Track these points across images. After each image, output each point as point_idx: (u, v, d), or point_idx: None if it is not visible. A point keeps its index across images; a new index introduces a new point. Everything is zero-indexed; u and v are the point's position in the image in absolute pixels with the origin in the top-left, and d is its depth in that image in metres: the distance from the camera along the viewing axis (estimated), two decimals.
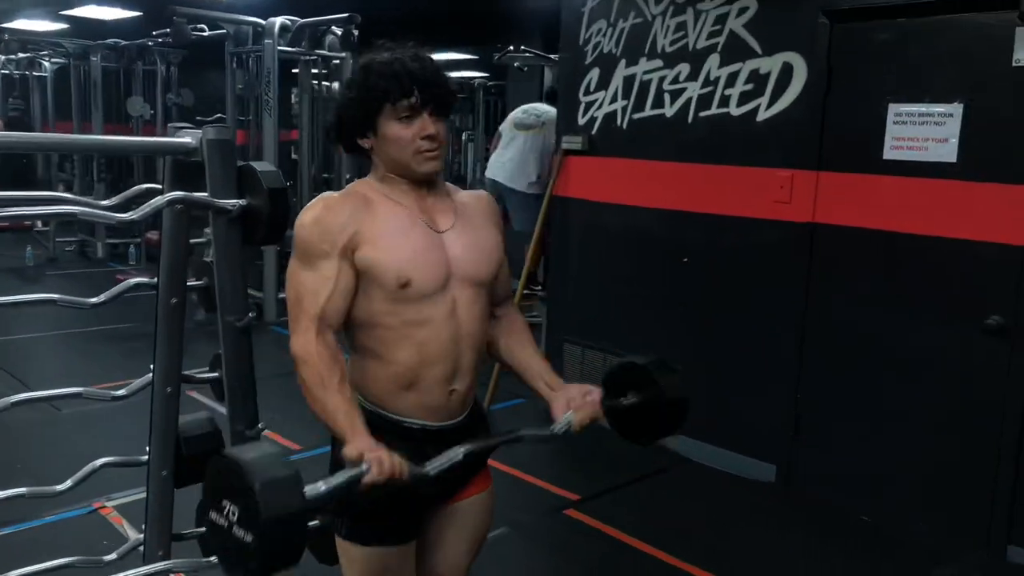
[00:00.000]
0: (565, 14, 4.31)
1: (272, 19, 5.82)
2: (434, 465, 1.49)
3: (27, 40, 9.31)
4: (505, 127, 5.77)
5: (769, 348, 3.64)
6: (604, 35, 4.10)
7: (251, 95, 6.39)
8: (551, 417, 1.66)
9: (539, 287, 5.22)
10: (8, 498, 2.05)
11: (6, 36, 8.49)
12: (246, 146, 6.73)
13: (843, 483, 3.47)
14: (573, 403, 1.65)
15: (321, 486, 1.39)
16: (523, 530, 3.29)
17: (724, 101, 3.65)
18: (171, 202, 1.76)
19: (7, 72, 10.49)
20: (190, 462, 2.29)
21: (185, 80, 9.11)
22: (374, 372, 1.60)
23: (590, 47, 4.17)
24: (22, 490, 2.06)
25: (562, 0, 4.32)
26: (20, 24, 10.13)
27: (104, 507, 3.21)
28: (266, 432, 3.79)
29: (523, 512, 3.42)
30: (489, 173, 6.18)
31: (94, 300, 1.97)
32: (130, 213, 1.70)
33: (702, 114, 3.74)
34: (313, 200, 1.61)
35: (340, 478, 1.41)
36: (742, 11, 3.55)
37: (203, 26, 6.62)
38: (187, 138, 1.88)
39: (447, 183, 1.73)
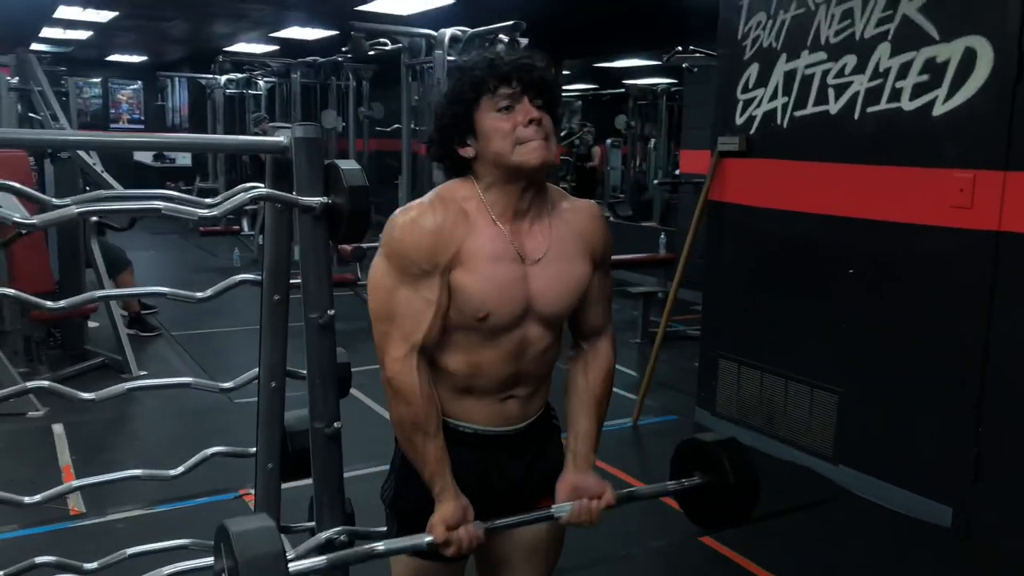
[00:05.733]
0: (723, 8, 4.07)
1: (443, 30, 5.97)
2: (503, 522, 1.51)
3: (242, 61, 10.21)
4: None
5: (946, 373, 3.22)
6: (764, 28, 3.82)
7: (425, 105, 6.59)
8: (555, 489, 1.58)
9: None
10: (125, 479, 2.17)
11: (220, 58, 9.32)
12: (423, 156, 6.95)
13: None
14: (581, 496, 1.54)
15: (381, 545, 1.44)
16: (652, 554, 3.11)
17: (895, 95, 3.28)
18: (253, 198, 1.79)
19: (230, 91, 11.57)
20: (295, 457, 2.36)
21: (377, 95, 9.59)
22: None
23: (748, 41, 3.90)
24: (138, 472, 2.17)
25: None
26: (240, 47, 11.15)
27: (248, 494, 3.38)
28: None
29: (654, 535, 3.23)
30: None
31: (200, 295, 2.05)
32: (212, 208, 1.74)
33: (870, 110, 3.38)
34: (410, 204, 1.50)
35: (406, 543, 1.47)
36: None
37: (385, 41, 6.92)
38: (281, 137, 1.91)
39: (556, 187, 1.61)
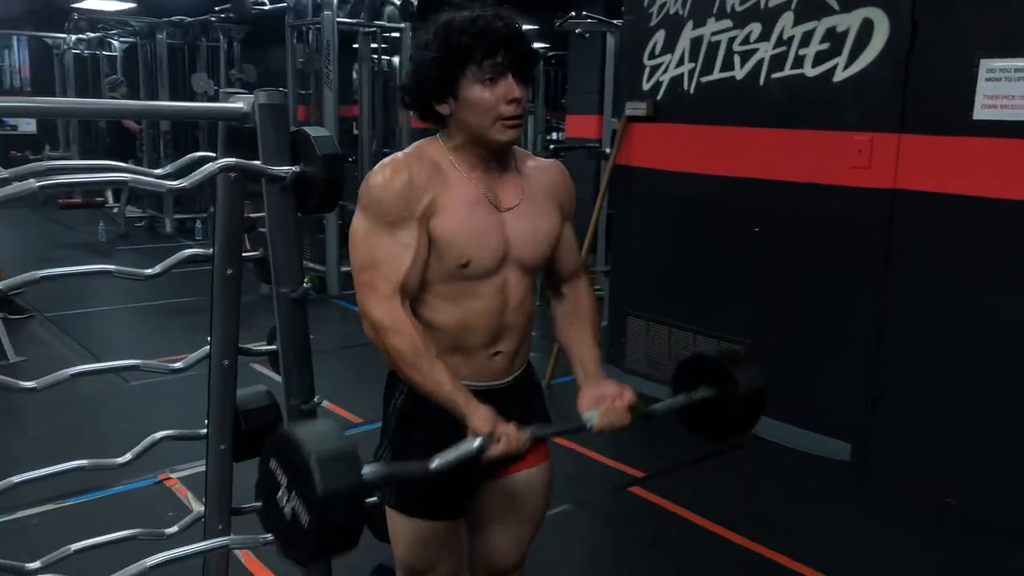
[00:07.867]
0: None
1: None
2: (545, 431, 1.54)
3: (96, 20, 9.47)
4: None
5: (845, 322, 3.47)
6: None
7: (312, 69, 6.37)
8: (577, 407, 1.58)
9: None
10: (70, 470, 2.04)
11: (75, 16, 8.62)
12: (308, 122, 6.74)
13: (924, 464, 3.30)
14: (603, 402, 1.54)
15: (435, 461, 1.35)
16: (585, 507, 3.21)
17: (798, 62, 3.46)
18: (223, 169, 1.71)
19: (79, 52, 10.72)
20: (248, 436, 2.28)
21: (248, 56, 9.16)
22: None
23: (655, 8, 4.00)
24: (83, 462, 2.04)
25: None
26: (91, 4, 10.34)
27: (169, 478, 3.24)
28: (327, 404, 3.75)
29: (585, 489, 3.34)
30: None
31: (149, 271, 1.94)
32: (181, 181, 1.65)
33: (774, 76, 3.56)
34: (385, 160, 1.54)
35: (457, 453, 1.37)
36: None
37: (264, 0, 6.61)
38: (240, 103, 1.82)
39: (520, 149, 1.66)
